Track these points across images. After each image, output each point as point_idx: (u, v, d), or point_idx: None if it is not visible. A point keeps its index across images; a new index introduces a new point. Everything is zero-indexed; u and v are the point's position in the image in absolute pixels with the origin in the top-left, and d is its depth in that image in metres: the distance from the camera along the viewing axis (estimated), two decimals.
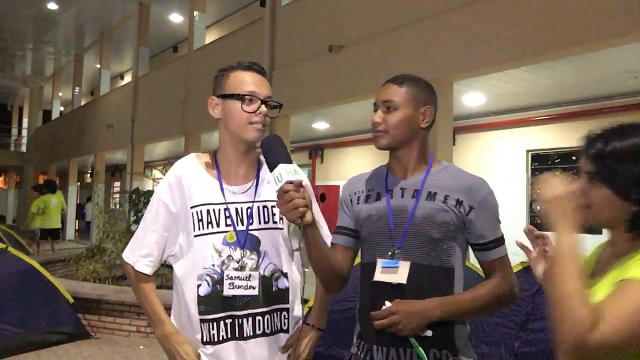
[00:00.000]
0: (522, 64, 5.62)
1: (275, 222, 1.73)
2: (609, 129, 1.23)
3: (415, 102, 1.64)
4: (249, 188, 1.73)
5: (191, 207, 1.67)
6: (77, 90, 19.37)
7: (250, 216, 1.69)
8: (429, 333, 1.53)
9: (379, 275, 1.58)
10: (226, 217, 1.67)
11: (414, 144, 1.66)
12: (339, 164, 12.04)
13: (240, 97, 1.67)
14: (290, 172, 1.46)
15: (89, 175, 24.73)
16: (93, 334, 5.49)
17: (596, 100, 7.44)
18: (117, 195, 14.16)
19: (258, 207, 1.72)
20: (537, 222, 8.50)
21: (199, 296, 1.64)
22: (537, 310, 3.47)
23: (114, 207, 11.99)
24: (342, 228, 1.75)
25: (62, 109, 24.55)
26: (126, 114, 14.00)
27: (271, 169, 1.49)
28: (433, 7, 6.12)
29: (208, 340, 1.64)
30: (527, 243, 1.43)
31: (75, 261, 8.10)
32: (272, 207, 1.72)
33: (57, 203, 11.32)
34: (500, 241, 1.62)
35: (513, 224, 9.32)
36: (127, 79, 18.42)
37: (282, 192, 1.45)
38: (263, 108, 1.68)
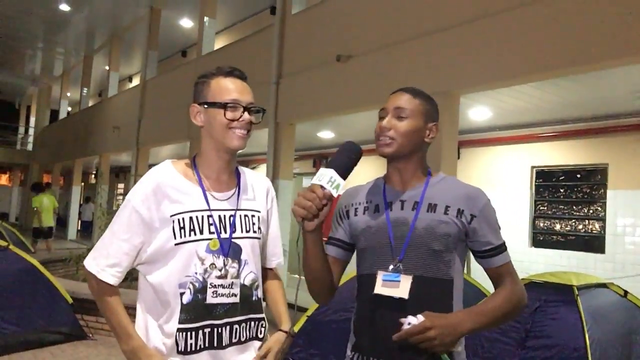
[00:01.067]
0: (529, 80, 5.61)
1: (255, 232, 1.74)
2: None
3: (425, 116, 1.67)
4: (232, 196, 1.72)
5: (171, 215, 1.62)
6: (85, 91, 19.47)
7: (233, 224, 1.68)
8: (459, 348, 1.53)
9: (380, 289, 1.56)
10: (209, 225, 1.64)
11: (415, 157, 1.67)
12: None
13: (223, 105, 1.65)
14: (332, 181, 1.45)
15: (93, 175, 24.82)
16: (90, 335, 5.48)
17: (602, 119, 7.42)
18: (121, 197, 14.19)
19: (240, 215, 1.72)
20: (539, 239, 8.47)
21: (182, 304, 1.59)
22: (537, 327, 3.45)
23: (116, 208, 12.01)
24: (335, 240, 1.75)
25: (69, 109, 24.68)
26: (133, 117, 14.05)
27: (327, 166, 1.49)
28: (442, 20, 6.14)
29: (183, 349, 1.59)
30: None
31: (76, 261, 8.12)
32: (252, 216, 1.74)
33: (49, 202, 12.01)
34: (503, 247, 1.64)
35: (516, 240, 9.32)
36: (135, 81, 18.52)
37: (310, 189, 1.47)
38: (246, 115, 1.67)
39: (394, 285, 1.55)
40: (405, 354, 1.52)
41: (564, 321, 3.38)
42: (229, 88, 1.67)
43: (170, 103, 12.35)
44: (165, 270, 1.62)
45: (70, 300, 5.44)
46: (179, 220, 1.62)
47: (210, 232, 1.64)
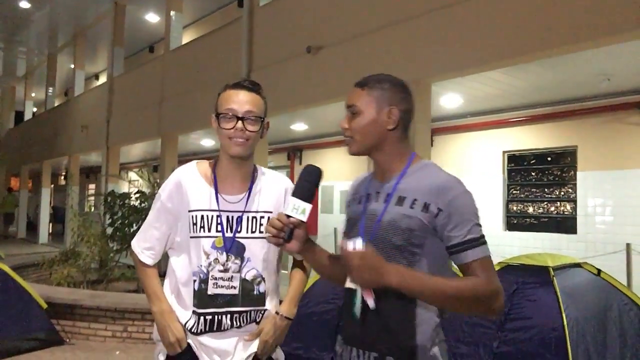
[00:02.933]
0: (498, 66, 5.67)
1: (262, 232, 1.89)
2: None
3: (377, 105, 1.60)
4: (242, 199, 1.90)
5: (189, 211, 1.87)
6: (50, 91, 19.00)
7: (239, 224, 1.87)
8: (372, 304, 1.49)
9: (348, 283, 1.58)
10: (217, 224, 1.86)
11: (385, 147, 1.62)
12: (317, 165, 12.02)
13: (220, 115, 1.85)
14: (296, 208, 1.57)
15: (63, 177, 24.30)
16: (67, 340, 5.37)
17: (570, 102, 7.57)
18: (92, 198, 13.93)
19: (248, 217, 1.89)
20: (513, 222, 8.61)
21: (194, 290, 1.85)
22: (515, 310, 3.50)
23: (88, 210, 11.78)
24: (344, 233, 1.77)
25: (35, 109, 24.06)
26: (101, 115, 13.78)
27: (293, 194, 1.60)
28: (411, 9, 6.15)
29: (190, 329, 1.86)
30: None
31: (48, 265, 7.94)
32: (261, 217, 1.91)
33: None
34: (475, 242, 1.50)
35: (490, 224, 9.46)
36: (102, 79, 18.13)
37: (275, 217, 1.60)
38: (239, 124, 1.82)
39: None
40: (372, 346, 1.55)
41: (542, 302, 3.44)
42: (229, 99, 1.86)
43: (140, 100, 12.14)
44: (182, 259, 1.89)
45: (44, 305, 5.32)
46: (193, 216, 1.86)
47: (217, 231, 1.86)
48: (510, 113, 8.28)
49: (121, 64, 14.00)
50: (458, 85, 6.85)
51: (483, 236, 1.54)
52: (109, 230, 8.01)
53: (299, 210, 1.56)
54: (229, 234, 1.86)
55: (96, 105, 14.43)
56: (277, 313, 1.94)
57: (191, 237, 1.86)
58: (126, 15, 13.78)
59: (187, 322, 1.86)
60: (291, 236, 1.59)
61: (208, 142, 12.76)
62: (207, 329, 1.84)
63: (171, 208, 1.90)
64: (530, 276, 3.63)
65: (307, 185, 1.60)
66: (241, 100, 1.84)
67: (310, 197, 1.59)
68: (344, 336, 1.67)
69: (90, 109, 15.10)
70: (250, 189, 1.92)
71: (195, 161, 1.98)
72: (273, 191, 1.96)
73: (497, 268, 3.76)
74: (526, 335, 3.38)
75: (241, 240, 1.87)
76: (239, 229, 1.87)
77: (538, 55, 5.20)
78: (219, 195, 1.88)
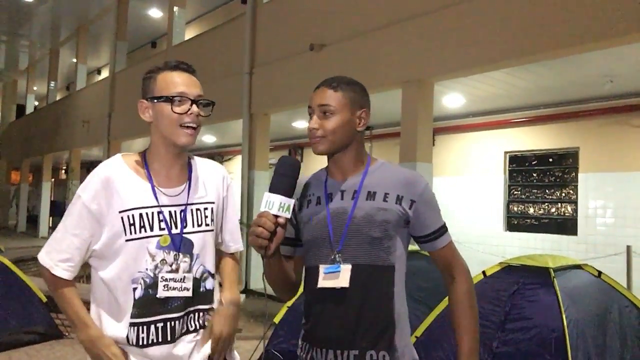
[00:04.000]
0: (501, 66, 5.66)
1: (207, 225, 1.75)
2: None
3: (351, 106, 1.64)
4: (182, 191, 1.72)
5: (120, 212, 1.62)
6: (52, 85, 19.01)
7: (184, 219, 1.69)
8: (403, 344, 1.60)
9: (322, 282, 1.58)
10: (160, 221, 1.65)
11: (351, 147, 1.66)
12: (318, 163, 11.98)
13: (170, 99, 1.65)
14: (283, 207, 1.47)
15: (63, 171, 24.30)
16: (67, 334, 5.38)
17: (573, 104, 7.55)
18: None
19: (191, 209, 1.72)
20: (513, 222, 8.61)
21: (134, 299, 1.61)
22: (515, 310, 3.50)
23: None
24: (286, 238, 1.66)
25: (36, 103, 24.07)
26: (103, 110, 13.78)
27: (271, 190, 1.48)
28: (415, 8, 6.14)
29: (135, 343, 1.61)
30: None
31: None
32: (205, 209, 1.75)
33: None
34: (443, 229, 1.66)
35: (491, 224, 9.46)
36: (104, 74, 18.14)
37: (259, 215, 1.47)
38: (194, 108, 1.66)
39: (335, 277, 1.57)
40: (352, 344, 1.56)
41: (542, 303, 3.43)
42: (175, 82, 1.66)
43: (141, 95, 12.14)
44: (116, 266, 1.63)
45: (44, 299, 5.32)
46: (128, 216, 1.62)
47: (160, 229, 1.65)
48: (513, 114, 8.28)
49: (123, 59, 14.00)
50: (461, 85, 6.84)
51: (445, 223, 1.69)
52: None
53: (284, 207, 1.47)
54: (175, 231, 1.66)
55: (98, 100, 14.43)
56: (221, 303, 1.77)
57: (127, 241, 1.61)
58: (129, 10, 13.78)
59: (130, 336, 1.61)
60: (272, 237, 1.48)
61: (210, 139, 12.75)
62: (159, 339, 1.62)
63: (96, 210, 1.62)
64: (530, 277, 3.62)
65: (289, 181, 1.52)
66: (189, 83, 1.67)
67: (292, 192, 1.52)
68: (314, 340, 1.63)
69: (92, 104, 15.10)
70: (189, 179, 1.75)
71: (120, 154, 1.74)
72: (212, 180, 1.81)
73: (497, 268, 3.77)
74: (526, 336, 3.37)
75: (188, 236, 1.69)
76: (184, 224, 1.68)
77: (541, 56, 5.20)
78: (156, 190, 1.67)
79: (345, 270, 1.56)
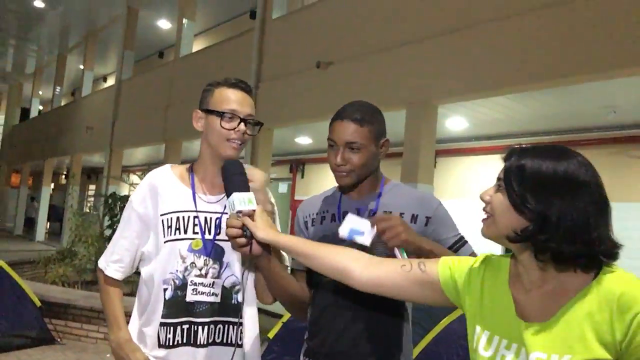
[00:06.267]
0: (505, 92, 5.70)
1: None
2: (531, 147, 1.24)
3: (376, 139, 1.66)
4: (221, 199, 1.75)
5: (161, 215, 1.72)
6: (58, 90, 19.11)
7: (218, 226, 1.73)
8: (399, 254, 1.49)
9: (342, 231, 1.50)
10: (194, 225, 1.71)
11: (373, 173, 1.70)
12: (319, 179, 12.03)
13: (220, 114, 1.71)
14: (243, 201, 1.51)
15: (64, 176, 24.31)
16: (59, 340, 5.33)
17: (575, 132, 7.58)
18: (92, 199, 13.92)
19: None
20: None
21: (165, 300, 1.68)
22: None
23: (88, 210, 11.78)
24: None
25: (41, 107, 24.16)
26: (107, 117, 13.83)
27: (228, 196, 1.54)
28: (422, 31, 6.20)
29: (164, 343, 1.67)
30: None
31: (44, 263, 7.91)
32: None
33: None
34: (463, 239, 1.67)
35: (490, 249, 9.45)
36: (110, 81, 18.23)
37: (227, 222, 1.52)
38: (242, 126, 1.71)
39: (360, 234, 1.49)
40: (373, 357, 1.57)
41: None
42: (229, 98, 1.73)
43: (146, 104, 12.19)
44: (152, 266, 1.73)
45: (38, 304, 5.29)
46: (167, 219, 1.72)
47: (194, 232, 1.71)
48: (515, 139, 8.29)
49: (130, 68, 14.09)
50: (464, 109, 6.88)
51: (463, 236, 1.70)
52: (107, 232, 8.00)
53: (245, 201, 1.51)
54: (208, 236, 1.71)
55: (103, 107, 14.49)
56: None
57: (165, 242, 1.70)
58: (138, 20, 13.91)
59: (160, 335, 1.67)
60: (251, 234, 1.48)
61: None
62: (183, 340, 1.66)
63: (143, 214, 1.75)
64: None
65: (239, 178, 1.57)
66: (242, 102, 1.73)
67: (247, 187, 1.55)
68: (319, 356, 1.63)
69: (96, 110, 15.16)
70: None
71: (169, 164, 1.85)
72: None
73: None
74: None
75: (220, 244, 1.71)
76: (218, 231, 1.72)
77: (546, 84, 5.24)
78: (196, 195, 1.75)
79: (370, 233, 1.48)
